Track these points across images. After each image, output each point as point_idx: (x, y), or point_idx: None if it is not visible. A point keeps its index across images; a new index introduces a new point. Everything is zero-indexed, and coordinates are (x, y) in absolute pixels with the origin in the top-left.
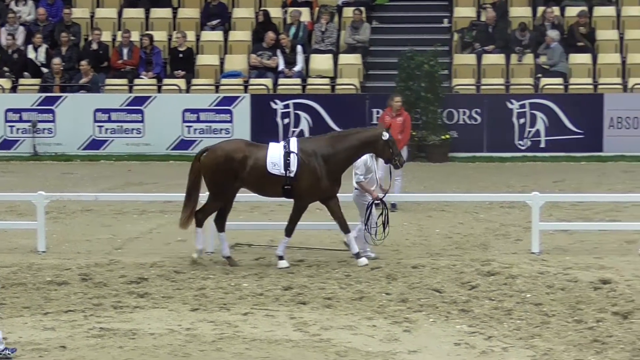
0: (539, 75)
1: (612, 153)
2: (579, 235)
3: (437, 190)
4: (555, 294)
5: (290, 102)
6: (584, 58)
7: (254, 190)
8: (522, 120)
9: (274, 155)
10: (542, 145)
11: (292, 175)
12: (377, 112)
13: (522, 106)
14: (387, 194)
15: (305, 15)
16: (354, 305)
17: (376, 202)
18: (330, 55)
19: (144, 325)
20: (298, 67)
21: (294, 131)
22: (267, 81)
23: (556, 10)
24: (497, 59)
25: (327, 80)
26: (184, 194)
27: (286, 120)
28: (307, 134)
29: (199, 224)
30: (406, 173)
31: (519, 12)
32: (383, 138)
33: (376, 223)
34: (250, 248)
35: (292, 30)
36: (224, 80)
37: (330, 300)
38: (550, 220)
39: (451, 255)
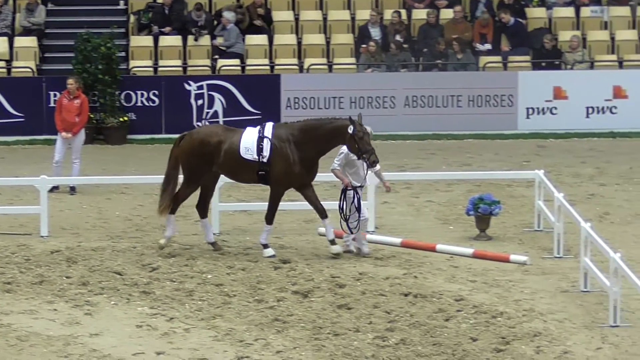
0: (216, 56)
1: None
2: (258, 215)
3: (117, 172)
4: (236, 274)
5: None
6: (260, 39)
7: (230, 176)
8: (200, 102)
9: (248, 140)
10: None
11: (264, 160)
12: (55, 95)
13: (200, 87)
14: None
15: None
16: (34, 290)
17: (348, 190)
18: (5, 38)
19: None
20: None
21: None
22: None
23: None
24: (174, 40)
25: (3, 64)
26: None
27: None
28: None
29: (172, 211)
30: (85, 155)
31: None
32: (348, 131)
33: (349, 210)
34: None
35: None
36: None
37: (10, 285)
38: (229, 201)
39: (132, 237)
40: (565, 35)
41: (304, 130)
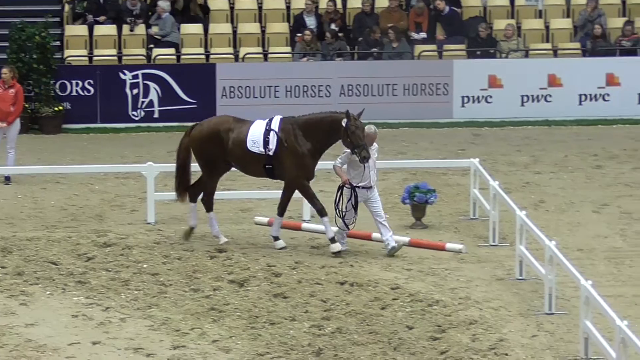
0: (151, 45)
1: None
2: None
3: (51, 162)
4: (172, 264)
5: None
6: (196, 28)
7: (239, 167)
8: (135, 91)
9: (255, 132)
10: (156, 115)
11: (270, 153)
12: None
13: (135, 77)
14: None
15: None
16: None
17: (346, 187)
18: None
19: None
20: None
21: None
22: None
23: None
24: (109, 29)
25: None
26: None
27: None
28: None
29: (192, 199)
30: (20, 145)
31: None
32: (342, 124)
33: (346, 207)
34: None
35: None
36: None
37: None
38: (165, 190)
39: (67, 227)
40: (500, 24)
41: (307, 124)
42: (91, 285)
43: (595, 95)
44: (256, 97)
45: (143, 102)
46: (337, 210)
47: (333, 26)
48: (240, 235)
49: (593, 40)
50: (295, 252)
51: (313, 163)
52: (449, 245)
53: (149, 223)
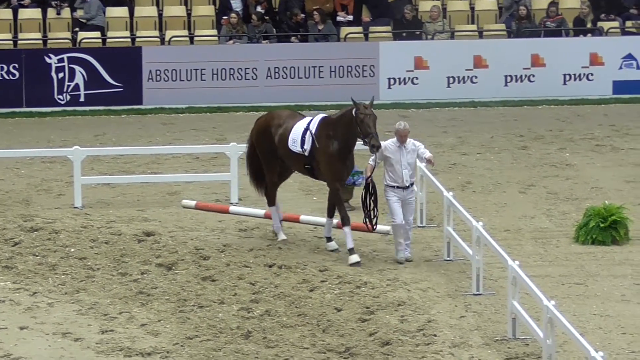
0: (77, 29)
1: (152, 106)
2: (121, 188)
3: None
4: (99, 248)
5: None
6: (121, 11)
7: (289, 165)
8: (60, 75)
9: (296, 131)
10: (82, 99)
11: (306, 154)
12: None
13: (61, 60)
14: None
15: None
16: None
17: (366, 183)
18: None
19: None
20: None
21: None
22: None
23: None
24: (34, 13)
25: None
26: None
27: None
28: None
29: (269, 202)
30: None
31: None
32: (353, 114)
33: (368, 205)
34: None
35: None
36: None
37: None
38: (92, 174)
39: None
40: (426, 6)
41: (335, 122)
42: (18, 270)
43: (521, 76)
44: (182, 80)
45: (69, 85)
46: (365, 210)
47: (259, 9)
48: (168, 219)
49: (518, 22)
50: (223, 235)
51: (343, 164)
52: (377, 227)
53: (76, 207)
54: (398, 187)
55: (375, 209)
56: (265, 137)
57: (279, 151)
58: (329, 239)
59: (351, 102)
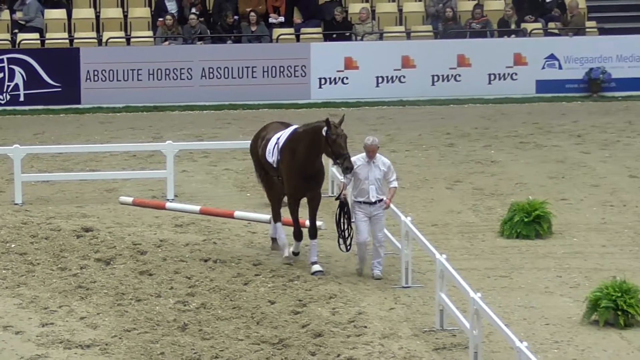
0: (16, 30)
1: (90, 105)
2: (60, 185)
3: None
4: (39, 243)
5: None
6: (59, 13)
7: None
8: (0, 75)
9: (271, 142)
10: (22, 99)
11: (274, 166)
12: None
13: (1, 61)
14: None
15: None
16: None
17: (340, 200)
18: None
19: None
20: None
21: None
22: None
23: None
24: None
25: None
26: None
27: None
28: None
29: (275, 217)
30: None
31: None
32: (322, 132)
33: (343, 225)
34: None
35: None
36: None
37: None
38: (32, 171)
39: None
40: (355, 8)
41: (300, 135)
42: None
43: (448, 76)
44: (119, 80)
45: (9, 86)
46: (338, 230)
47: (194, 10)
48: (106, 215)
49: (444, 23)
50: (160, 231)
51: (302, 180)
52: (308, 222)
53: (16, 204)
54: (364, 203)
55: (350, 228)
56: (255, 151)
57: (264, 164)
58: (314, 263)
59: (279, 102)
